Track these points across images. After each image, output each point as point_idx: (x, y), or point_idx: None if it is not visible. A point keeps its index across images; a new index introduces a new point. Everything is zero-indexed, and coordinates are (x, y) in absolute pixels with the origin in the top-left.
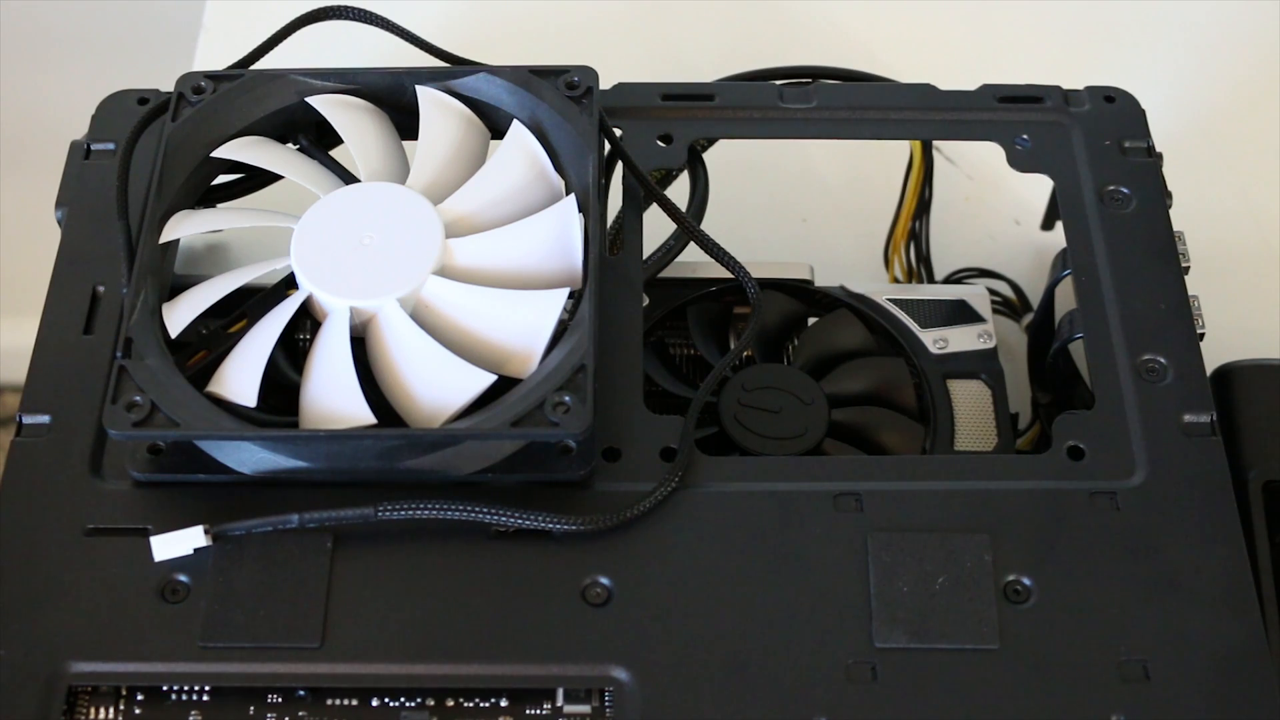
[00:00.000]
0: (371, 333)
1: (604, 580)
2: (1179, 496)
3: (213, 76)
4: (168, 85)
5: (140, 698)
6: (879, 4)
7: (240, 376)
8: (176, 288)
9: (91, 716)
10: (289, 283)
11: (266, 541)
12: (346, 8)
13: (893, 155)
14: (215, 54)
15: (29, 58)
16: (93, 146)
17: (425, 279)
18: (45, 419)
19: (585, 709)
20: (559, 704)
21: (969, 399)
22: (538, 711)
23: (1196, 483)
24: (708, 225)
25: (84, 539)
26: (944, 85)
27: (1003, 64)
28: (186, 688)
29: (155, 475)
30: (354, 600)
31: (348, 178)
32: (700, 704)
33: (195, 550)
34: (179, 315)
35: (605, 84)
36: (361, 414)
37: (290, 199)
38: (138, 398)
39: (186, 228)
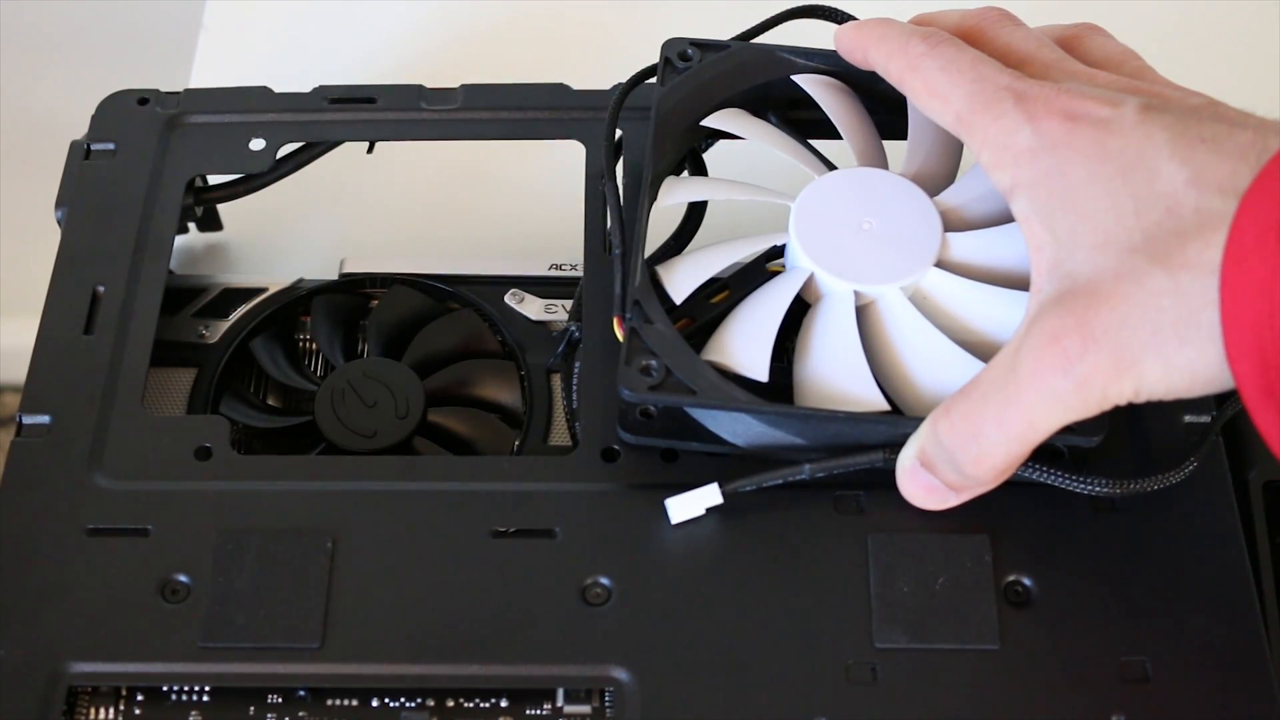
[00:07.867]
0: (869, 318)
1: (604, 580)
2: (1179, 496)
3: (698, 44)
4: (168, 85)
5: (140, 698)
6: (879, 4)
7: (750, 349)
8: (173, 288)
9: (91, 716)
10: (766, 257)
11: (266, 541)
12: (828, 8)
13: None
14: (215, 54)
15: (29, 58)
16: (93, 146)
17: (927, 270)
18: (45, 419)
19: (585, 709)
20: (559, 704)
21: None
22: (538, 711)
23: (1196, 483)
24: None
25: (84, 539)
26: None
27: None
28: (186, 688)
29: (647, 439)
30: (354, 600)
31: (822, 160)
32: (700, 704)
33: (706, 510)
34: (682, 283)
35: (607, 84)
36: (874, 399)
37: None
38: (651, 361)
39: (680, 194)
